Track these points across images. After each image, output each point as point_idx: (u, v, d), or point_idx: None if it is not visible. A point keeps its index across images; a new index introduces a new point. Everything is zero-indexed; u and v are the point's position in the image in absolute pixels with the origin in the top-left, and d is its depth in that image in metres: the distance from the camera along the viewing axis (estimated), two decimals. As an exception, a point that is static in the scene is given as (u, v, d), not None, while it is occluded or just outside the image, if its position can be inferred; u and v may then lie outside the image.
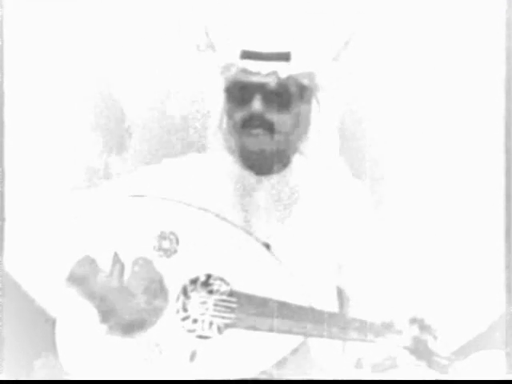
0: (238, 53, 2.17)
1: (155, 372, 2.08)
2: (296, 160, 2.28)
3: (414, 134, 2.70)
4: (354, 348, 2.14)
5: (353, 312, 2.25)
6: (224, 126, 2.26)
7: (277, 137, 2.18)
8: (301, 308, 2.08)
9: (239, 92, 2.17)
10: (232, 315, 2.10)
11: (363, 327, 2.05)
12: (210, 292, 2.11)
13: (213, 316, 2.10)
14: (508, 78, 2.51)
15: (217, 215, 2.14)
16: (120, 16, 2.67)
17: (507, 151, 2.51)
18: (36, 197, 2.57)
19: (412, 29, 2.63)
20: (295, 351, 2.09)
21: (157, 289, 2.10)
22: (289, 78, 2.16)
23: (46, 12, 2.63)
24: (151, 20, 2.67)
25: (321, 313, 2.08)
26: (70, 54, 2.66)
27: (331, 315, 2.10)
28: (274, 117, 2.16)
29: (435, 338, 2.04)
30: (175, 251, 2.13)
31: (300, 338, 2.08)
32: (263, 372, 2.08)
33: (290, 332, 2.07)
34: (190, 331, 2.10)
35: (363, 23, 2.33)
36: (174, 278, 2.12)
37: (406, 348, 2.04)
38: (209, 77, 2.26)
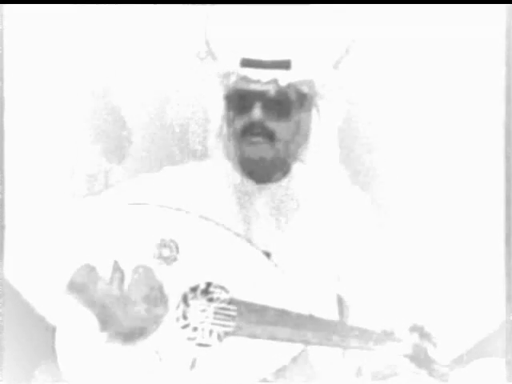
0: (238, 61, 2.17)
1: (155, 380, 2.07)
2: (296, 168, 2.28)
3: (414, 141, 2.71)
4: (354, 356, 2.13)
5: (353, 320, 2.24)
6: (224, 133, 2.25)
7: (277, 145, 2.18)
8: (301, 316, 2.08)
9: (239, 100, 2.17)
10: (232, 323, 2.10)
11: (363, 335, 2.05)
12: (210, 300, 2.11)
13: (213, 324, 2.10)
14: (508, 85, 2.52)
15: (217, 223, 2.14)
16: (120, 24, 2.67)
17: (507, 158, 2.51)
18: (36, 204, 2.57)
19: (411, 37, 2.63)
20: (295, 359, 2.09)
21: (157, 297, 2.10)
22: (289, 85, 2.16)
23: (46, 19, 2.63)
24: (151, 28, 2.67)
25: (321, 321, 2.08)
26: (71, 62, 2.67)
27: (331, 323, 2.10)
28: (274, 125, 2.16)
29: (435, 345, 2.04)
30: (175, 259, 2.12)
31: (300, 346, 2.08)
32: (263, 380, 2.08)
33: (289, 340, 2.07)
34: (190, 339, 2.10)
35: (363, 31, 2.33)
36: (174, 285, 2.12)
37: (406, 356, 2.04)
38: (209, 85, 2.26)
